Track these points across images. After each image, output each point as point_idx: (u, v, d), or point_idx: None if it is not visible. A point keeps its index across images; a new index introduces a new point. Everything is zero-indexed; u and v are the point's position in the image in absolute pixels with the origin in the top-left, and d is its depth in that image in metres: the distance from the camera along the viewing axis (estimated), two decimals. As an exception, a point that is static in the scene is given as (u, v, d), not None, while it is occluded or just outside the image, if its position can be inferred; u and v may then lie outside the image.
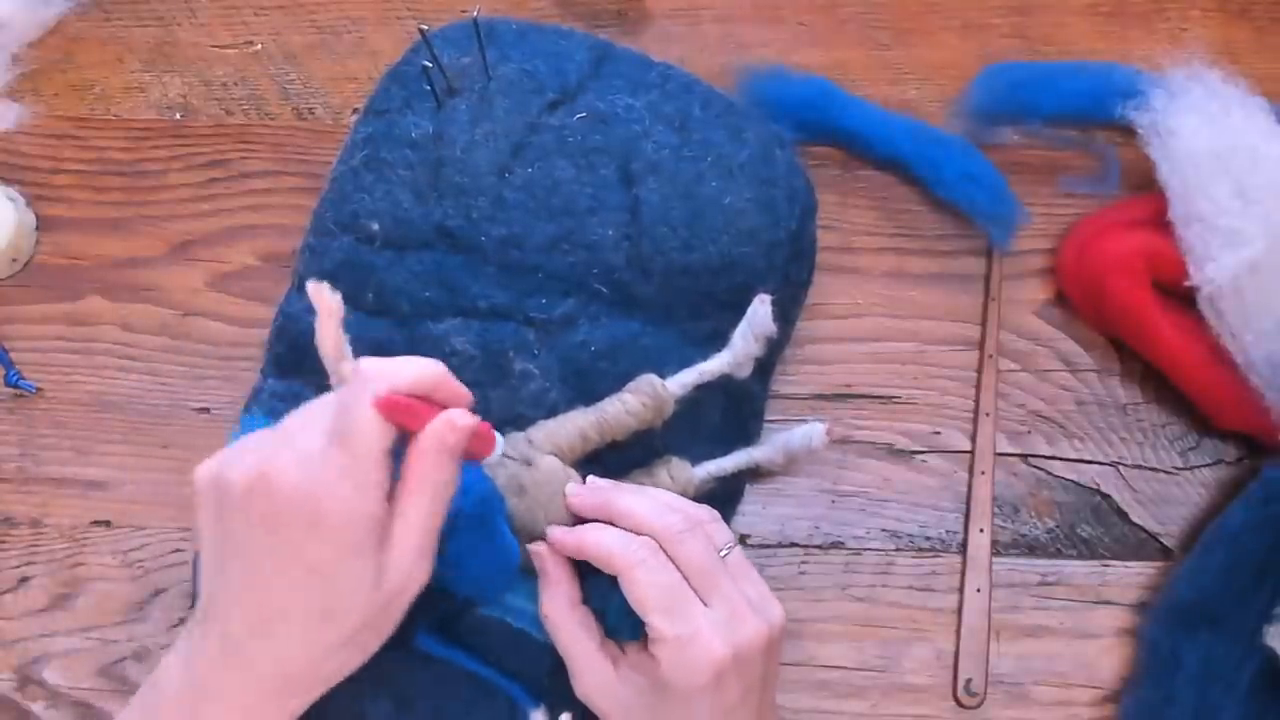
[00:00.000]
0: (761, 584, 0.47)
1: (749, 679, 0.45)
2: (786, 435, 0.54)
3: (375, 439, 0.40)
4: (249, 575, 0.42)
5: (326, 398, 0.44)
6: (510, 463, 0.48)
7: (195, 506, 0.43)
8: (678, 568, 0.45)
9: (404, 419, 0.41)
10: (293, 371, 0.54)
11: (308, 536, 0.40)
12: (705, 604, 0.45)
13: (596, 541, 0.46)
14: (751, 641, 0.45)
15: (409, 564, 0.42)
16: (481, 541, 0.46)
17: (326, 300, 0.45)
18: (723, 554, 0.46)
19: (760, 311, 0.50)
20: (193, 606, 0.47)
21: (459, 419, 0.42)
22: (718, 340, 0.53)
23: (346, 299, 0.52)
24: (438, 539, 0.43)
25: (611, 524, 0.47)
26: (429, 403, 0.42)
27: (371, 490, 0.40)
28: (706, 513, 0.48)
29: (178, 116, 0.65)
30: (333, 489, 0.40)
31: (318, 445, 0.41)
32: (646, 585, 0.44)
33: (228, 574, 0.42)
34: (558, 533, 0.48)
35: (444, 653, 0.49)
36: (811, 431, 0.54)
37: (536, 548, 0.48)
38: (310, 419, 0.42)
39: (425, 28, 0.52)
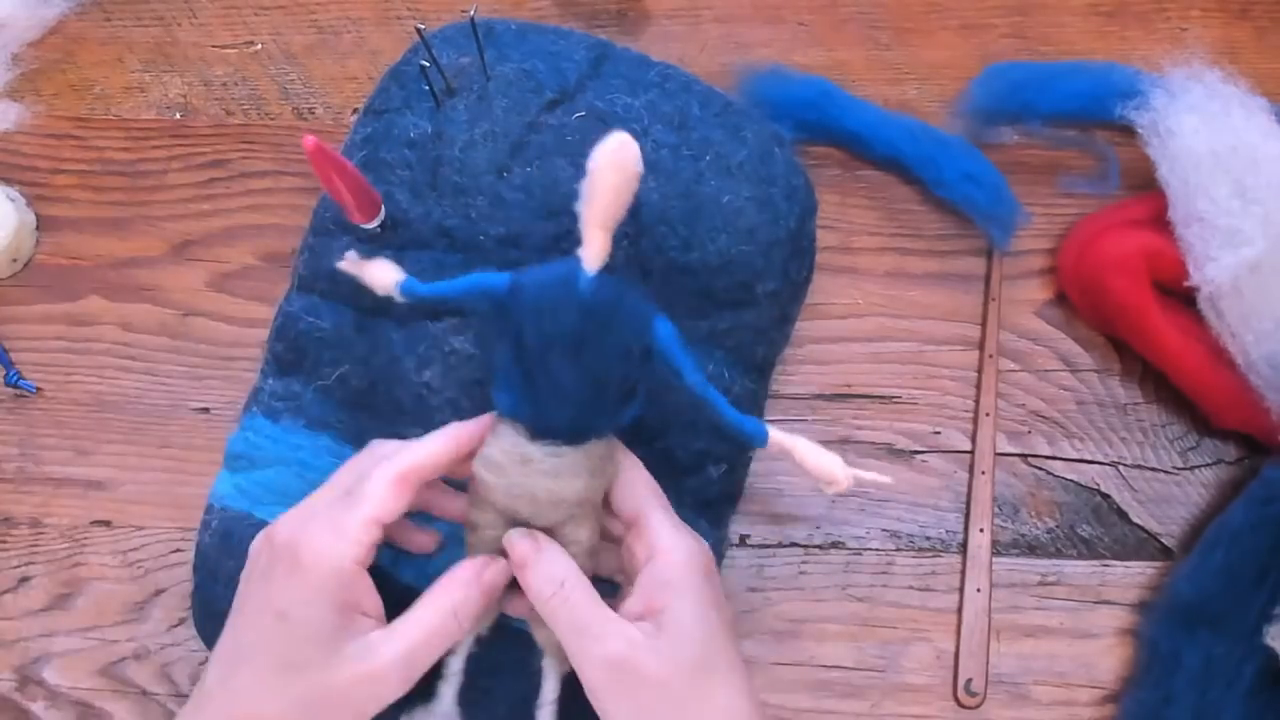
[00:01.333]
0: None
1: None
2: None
3: (375, 505, 0.43)
4: (231, 626, 0.44)
5: (347, 464, 0.47)
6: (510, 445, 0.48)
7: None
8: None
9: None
10: (293, 371, 0.54)
11: (283, 581, 0.42)
12: None
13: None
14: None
15: (391, 655, 0.42)
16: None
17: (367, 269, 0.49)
18: None
19: None
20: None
21: (495, 574, 0.45)
22: (717, 340, 0.53)
23: (346, 298, 0.53)
24: (429, 665, 0.43)
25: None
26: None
27: (350, 546, 0.42)
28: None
29: (178, 116, 0.65)
30: (314, 536, 0.42)
31: (319, 499, 0.44)
32: (647, 484, 0.47)
33: (224, 630, 0.44)
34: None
35: None
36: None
37: (514, 535, 0.46)
38: (332, 481, 0.46)
39: (423, 27, 0.52)
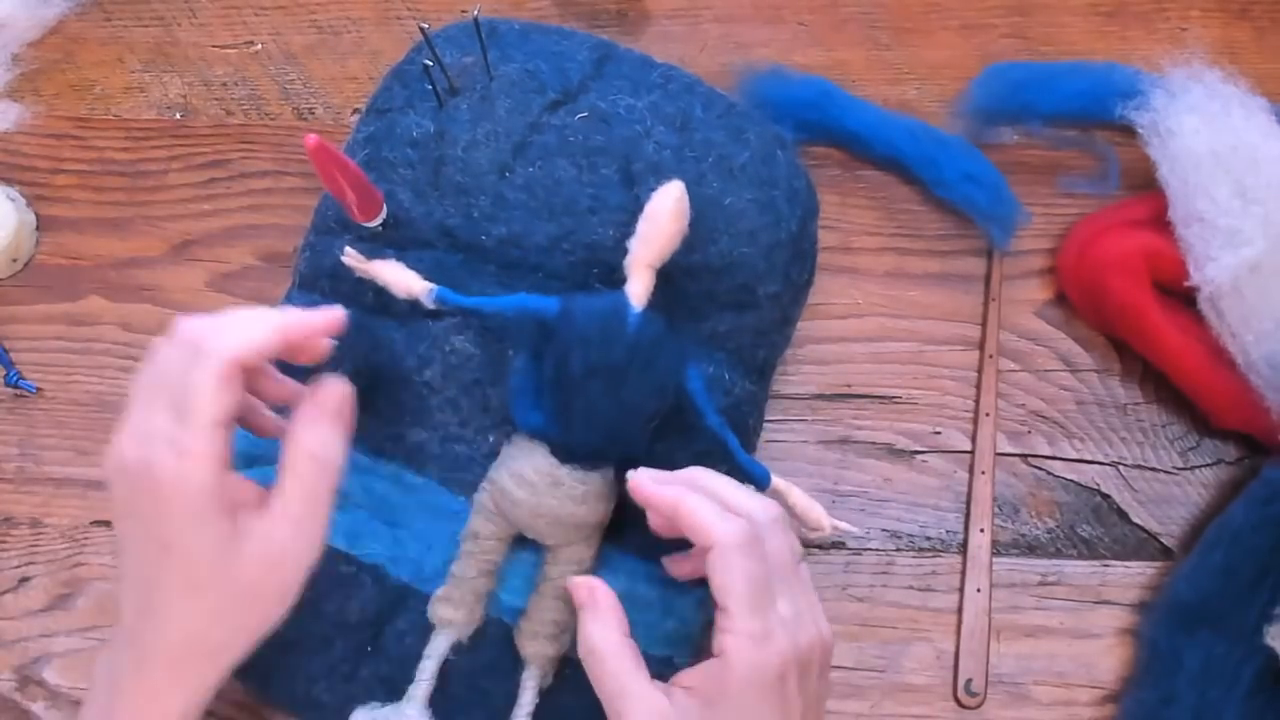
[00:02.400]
0: (816, 600, 0.45)
1: (807, 691, 0.43)
2: None
3: (209, 409, 0.41)
4: (126, 561, 0.43)
5: (156, 360, 0.43)
6: (514, 461, 0.49)
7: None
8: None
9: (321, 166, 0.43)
10: (292, 368, 0.54)
11: (154, 512, 0.41)
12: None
13: (692, 512, 0.43)
14: (812, 647, 0.43)
15: (283, 534, 0.42)
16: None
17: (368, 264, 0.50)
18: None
19: None
20: None
21: (336, 388, 0.44)
22: (718, 342, 0.53)
23: (347, 297, 0.53)
24: (326, 510, 0.43)
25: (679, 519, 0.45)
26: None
27: (201, 461, 0.41)
28: (765, 506, 0.45)
29: (178, 116, 0.65)
30: (164, 463, 0.41)
31: (149, 414, 0.42)
32: (741, 571, 0.42)
33: (119, 566, 0.44)
34: (647, 480, 0.45)
35: None
36: None
37: (581, 580, 0.46)
38: (144, 385, 0.43)
39: (426, 27, 0.52)
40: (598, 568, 0.51)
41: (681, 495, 0.44)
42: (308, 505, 0.43)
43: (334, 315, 0.45)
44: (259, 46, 0.67)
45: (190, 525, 0.41)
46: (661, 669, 0.50)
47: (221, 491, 0.41)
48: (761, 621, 0.42)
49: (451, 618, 0.49)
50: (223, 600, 0.42)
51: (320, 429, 0.43)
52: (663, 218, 0.48)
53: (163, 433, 0.41)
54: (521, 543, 0.50)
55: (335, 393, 0.44)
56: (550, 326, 0.47)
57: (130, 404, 0.43)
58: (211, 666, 0.44)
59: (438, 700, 0.49)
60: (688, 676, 0.43)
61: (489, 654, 0.50)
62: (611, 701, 0.43)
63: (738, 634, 0.42)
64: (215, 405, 0.41)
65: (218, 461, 0.41)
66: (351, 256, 0.51)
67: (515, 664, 0.50)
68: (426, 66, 0.52)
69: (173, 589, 0.42)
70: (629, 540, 0.51)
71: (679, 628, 0.51)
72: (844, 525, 0.52)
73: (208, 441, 0.41)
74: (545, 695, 0.50)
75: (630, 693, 0.43)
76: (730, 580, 0.42)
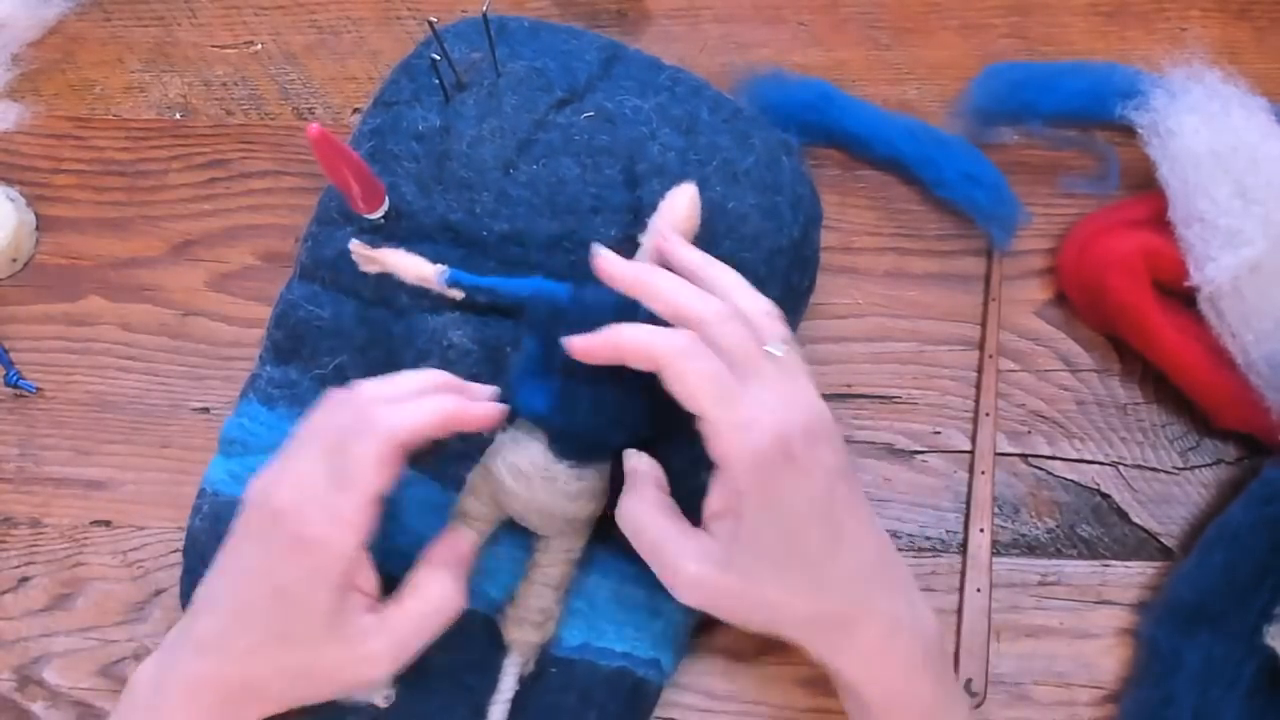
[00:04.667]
0: (802, 382, 0.45)
1: (822, 458, 0.43)
2: None
3: (369, 485, 0.43)
4: (228, 584, 0.44)
5: (328, 415, 0.45)
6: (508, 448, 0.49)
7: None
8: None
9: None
10: (291, 359, 0.54)
11: (286, 557, 0.42)
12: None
13: (633, 339, 0.43)
14: (807, 419, 0.43)
15: (378, 648, 0.44)
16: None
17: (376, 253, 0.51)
18: (772, 350, 0.44)
19: None
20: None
21: (471, 552, 0.47)
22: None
23: (346, 288, 0.53)
24: (418, 648, 0.45)
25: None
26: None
27: (350, 532, 0.42)
28: (764, 304, 0.46)
29: (178, 116, 0.65)
30: (316, 520, 0.42)
31: (312, 468, 0.43)
32: (694, 374, 0.42)
33: (215, 580, 0.45)
34: (612, 262, 0.45)
35: None
36: None
37: (631, 452, 0.47)
38: (311, 436, 0.45)
39: (435, 20, 0.52)
40: (586, 569, 0.51)
41: (616, 335, 0.44)
42: (414, 639, 0.45)
43: (495, 410, 0.46)
44: (259, 46, 0.67)
45: (314, 582, 0.43)
46: (650, 670, 0.51)
47: (353, 567, 0.43)
48: (736, 410, 0.42)
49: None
50: (300, 666, 0.43)
51: (454, 583, 0.46)
52: (677, 214, 0.49)
53: (321, 491, 0.43)
54: (508, 533, 0.50)
55: (473, 546, 0.48)
56: (562, 312, 0.47)
57: (295, 449, 0.45)
58: (254, 713, 0.45)
59: (418, 695, 0.50)
60: (709, 504, 0.44)
61: (476, 650, 0.50)
62: (656, 557, 0.44)
63: (720, 430, 0.42)
64: (375, 482, 0.43)
65: (362, 535, 0.43)
66: (358, 247, 0.51)
67: (497, 658, 0.50)
68: (434, 61, 0.52)
69: (265, 632, 0.43)
70: (617, 540, 0.51)
71: (667, 628, 0.52)
72: None
73: (359, 514, 0.43)
74: (528, 694, 0.50)
75: (669, 543, 0.44)
76: (687, 386, 0.42)
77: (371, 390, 0.45)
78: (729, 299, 0.45)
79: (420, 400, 0.45)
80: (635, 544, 0.45)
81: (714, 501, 0.44)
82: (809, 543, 0.43)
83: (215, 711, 0.44)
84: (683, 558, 0.43)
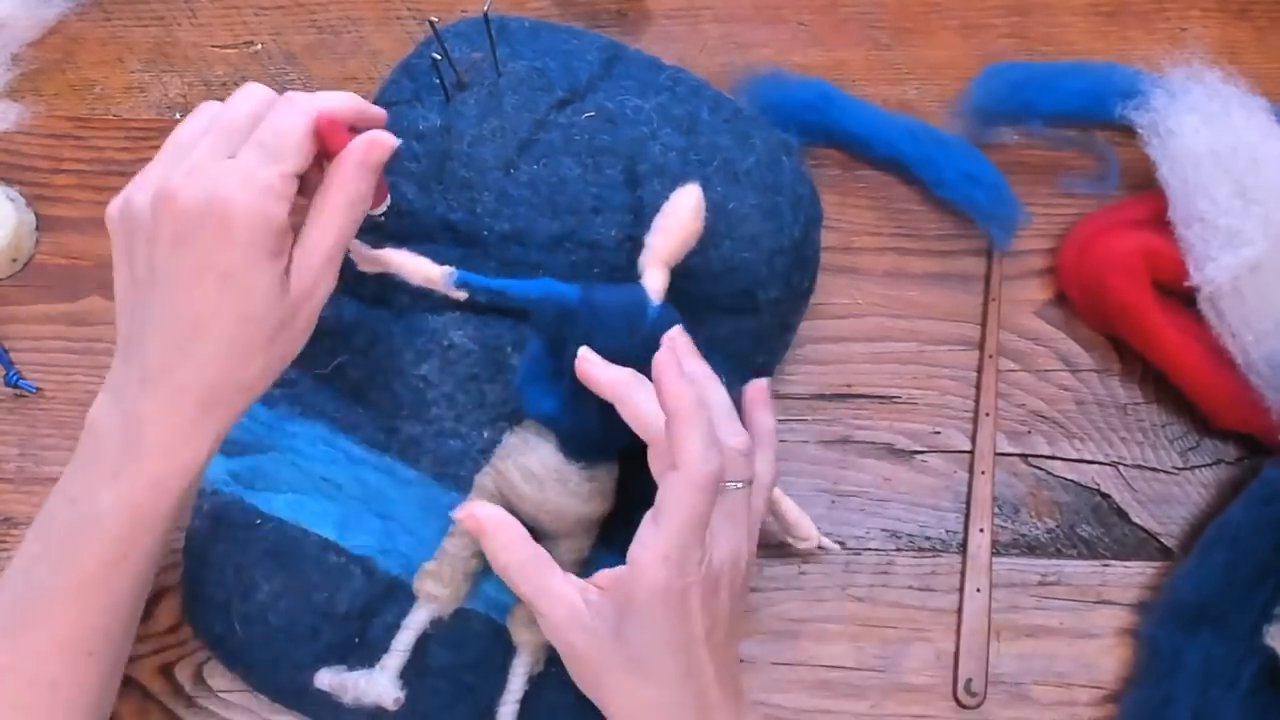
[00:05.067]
0: (743, 523, 0.46)
1: (714, 608, 0.44)
2: None
3: (300, 158, 0.44)
4: (164, 295, 0.44)
5: (229, 108, 0.47)
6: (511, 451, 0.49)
7: (112, 246, 0.46)
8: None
9: (331, 140, 0.45)
10: (291, 358, 0.54)
11: (217, 245, 0.43)
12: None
13: (688, 428, 0.42)
14: (722, 568, 0.44)
15: (318, 267, 0.45)
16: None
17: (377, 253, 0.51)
18: (729, 485, 0.45)
19: None
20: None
21: (384, 138, 0.46)
22: (716, 346, 0.53)
23: (346, 288, 0.53)
24: (345, 247, 0.46)
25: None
26: (349, 130, 0.46)
27: (284, 202, 0.44)
28: (743, 440, 0.46)
29: (178, 116, 0.65)
30: (239, 196, 0.43)
31: (228, 162, 0.44)
32: (690, 505, 0.42)
33: (144, 304, 0.44)
34: (670, 366, 0.43)
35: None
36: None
37: (461, 513, 0.47)
38: (219, 136, 0.45)
39: (436, 20, 0.52)
40: (589, 569, 0.51)
41: (683, 405, 0.42)
42: (340, 244, 0.45)
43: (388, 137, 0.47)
44: (259, 46, 0.67)
45: (262, 260, 0.43)
46: None
47: (285, 236, 0.44)
48: (681, 550, 0.42)
49: (436, 593, 0.49)
50: (268, 337, 0.44)
51: (364, 171, 0.46)
52: (683, 214, 0.49)
53: (239, 170, 0.43)
54: None
55: (387, 141, 0.46)
56: (570, 313, 0.47)
57: (178, 146, 0.46)
58: (241, 402, 0.45)
59: (424, 697, 0.50)
60: (603, 577, 0.44)
61: (476, 650, 0.50)
62: (533, 604, 0.45)
63: (652, 552, 0.42)
64: (303, 151, 0.44)
65: (289, 206, 0.44)
66: (359, 248, 0.51)
67: (503, 660, 0.50)
68: (435, 60, 0.52)
69: (224, 322, 0.43)
70: (617, 541, 0.51)
71: None
72: (828, 542, 0.55)
73: (290, 185, 0.44)
74: (529, 693, 0.50)
75: (547, 591, 0.44)
76: (675, 508, 0.42)
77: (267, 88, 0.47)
78: (713, 427, 0.44)
79: (332, 92, 0.47)
80: (513, 587, 0.45)
81: (605, 578, 0.44)
82: (666, 667, 0.43)
83: (202, 424, 0.44)
84: (558, 607, 0.44)
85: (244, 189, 0.43)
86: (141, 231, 0.44)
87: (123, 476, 0.44)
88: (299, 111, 0.45)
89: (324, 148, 0.45)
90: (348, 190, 0.45)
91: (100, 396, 0.46)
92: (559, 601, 0.44)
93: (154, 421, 0.44)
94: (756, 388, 0.52)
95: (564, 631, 0.44)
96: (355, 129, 0.46)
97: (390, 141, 0.46)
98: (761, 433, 0.50)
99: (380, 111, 0.49)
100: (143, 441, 0.44)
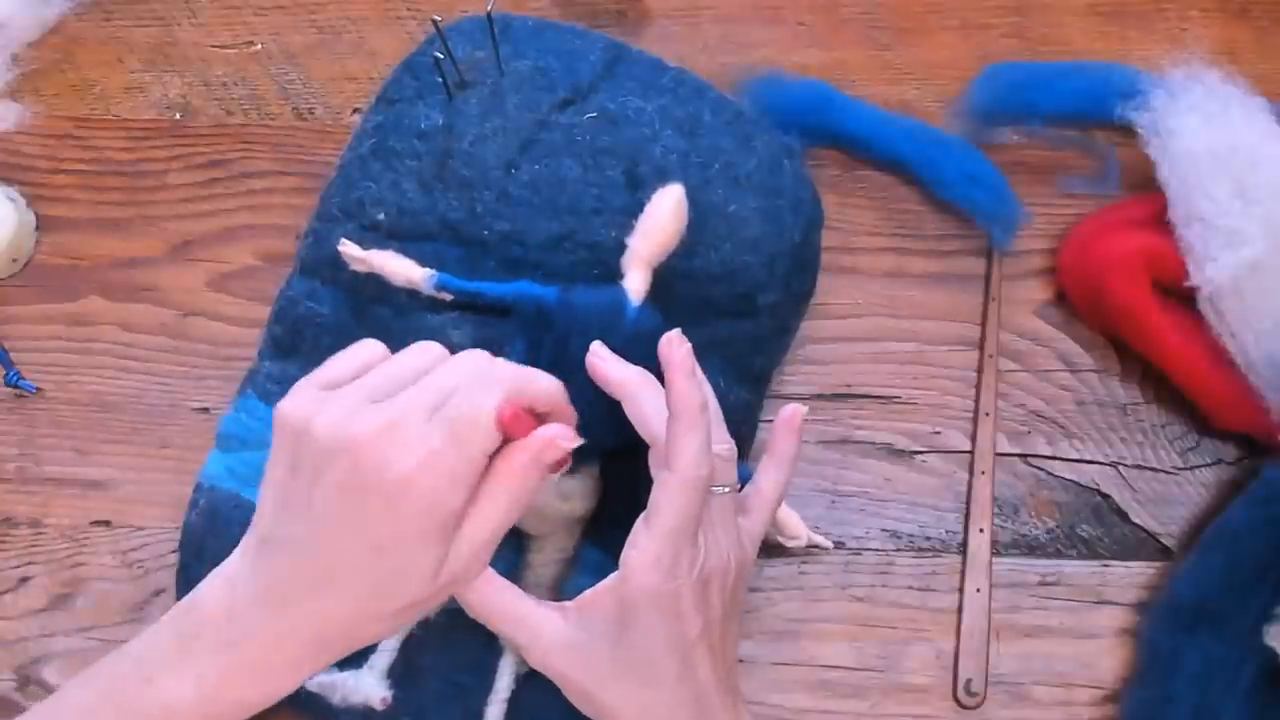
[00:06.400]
0: (734, 528, 0.46)
1: (707, 608, 0.44)
2: None
3: (488, 444, 0.41)
4: (310, 533, 0.41)
5: (427, 376, 0.42)
6: None
7: (274, 439, 0.43)
8: None
9: (517, 432, 0.41)
10: (290, 354, 0.54)
11: (384, 515, 0.40)
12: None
13: (688, 433, 0.42)
14: (713, 571, 0.44)
15: (471, 559, 0.42)
16: None
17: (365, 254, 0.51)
18: (715, 489, 0.45)
19: None
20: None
21: (564, 440, 0.42)
22: (715, 348, 0.53)
23: (347, 286, 0.53)
24: (496, 545, 0.43)
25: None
26: (534, 416, 0.42)
27: (464, 490, 0.41)
28: (728, 447, 0.46)
29: (178, 116, 0.65)
30: (418, 477, 0.40)
31: (420, 428, 0.40)
32: (684, 506, 0.42)
33: (288, 524, 0.42)
34: (681, 361, 0.44)
35: None
36: None
37: None
38: (418, 395, 0.42)
39: (439, 19, 0.52)
40: (577, 568, 0.51)
41: (690, 407, 0.43)
42: (496, 538, 0.43)
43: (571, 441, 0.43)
44: (259, 46, 0.67)
45: (420, 545, 0.41)
46: None
47: (456, 520, 0.41)
48: (672, 552, 0.42)
49: None
50: (398, 607, 0.42)
51: (535, 471, 0.42)
52: (663, 216, 0.49)
53: (426, 444, 0.40)
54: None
55: (567, 444, 0.42)
56: (548, 315, 0.47)
57: (373, 389, 0.42)
58: (342, 654, 0.43)
59: (410, 695, 0.50)
60: (586, 596, 0.44)
61: (463, 647, 0.50)
62: (512, 636, 0.44)
63: (644, 554, 0.42)
64: (493, 436, 0.41)
65: (469, 492, 0.41)
66: (347, 247, 0.51)
67: (492, 659, 0.50)
68: (437, 59, 0.52)
69: (360, 588, 0.41)
70: (606, 539, 0.51)
71: None
72: (820, 540, 0.55)
73: (476, 472, 0.41)
74: (516, 692, 0.50)
75: (524, 618, 0.44)
76: (667, 510, 0.42)
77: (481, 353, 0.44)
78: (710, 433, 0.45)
79: (539, 374, 0.44)
80: (489, 624, 0.45)
81: (589, 595, 0.44)
82: (663, 668, 0.43)
83: (300, 660, 0.42)
84: (543, 633, 0.44)
85: (426, 470, 0.40)
86: (311, 458, 0.41)
87: (206, 680, 0.42)
88: (487, 377, 0.42)
89: (503, 427, 0.41)
90: (513, 485, 0.42)
91: (216, 578, 0.43)
92: (539, 628, 0.44)
93: (257, 642, 0.42)
94: (791, 413, 0.50)
95: (551, 656, 0.44)
96: (537, 414, 0.43)
97: (570, 444, 0.42)
98: (782, 458, 0.49)
99: (571, 411, 0.45)
100: (238, 654, 0.42)
